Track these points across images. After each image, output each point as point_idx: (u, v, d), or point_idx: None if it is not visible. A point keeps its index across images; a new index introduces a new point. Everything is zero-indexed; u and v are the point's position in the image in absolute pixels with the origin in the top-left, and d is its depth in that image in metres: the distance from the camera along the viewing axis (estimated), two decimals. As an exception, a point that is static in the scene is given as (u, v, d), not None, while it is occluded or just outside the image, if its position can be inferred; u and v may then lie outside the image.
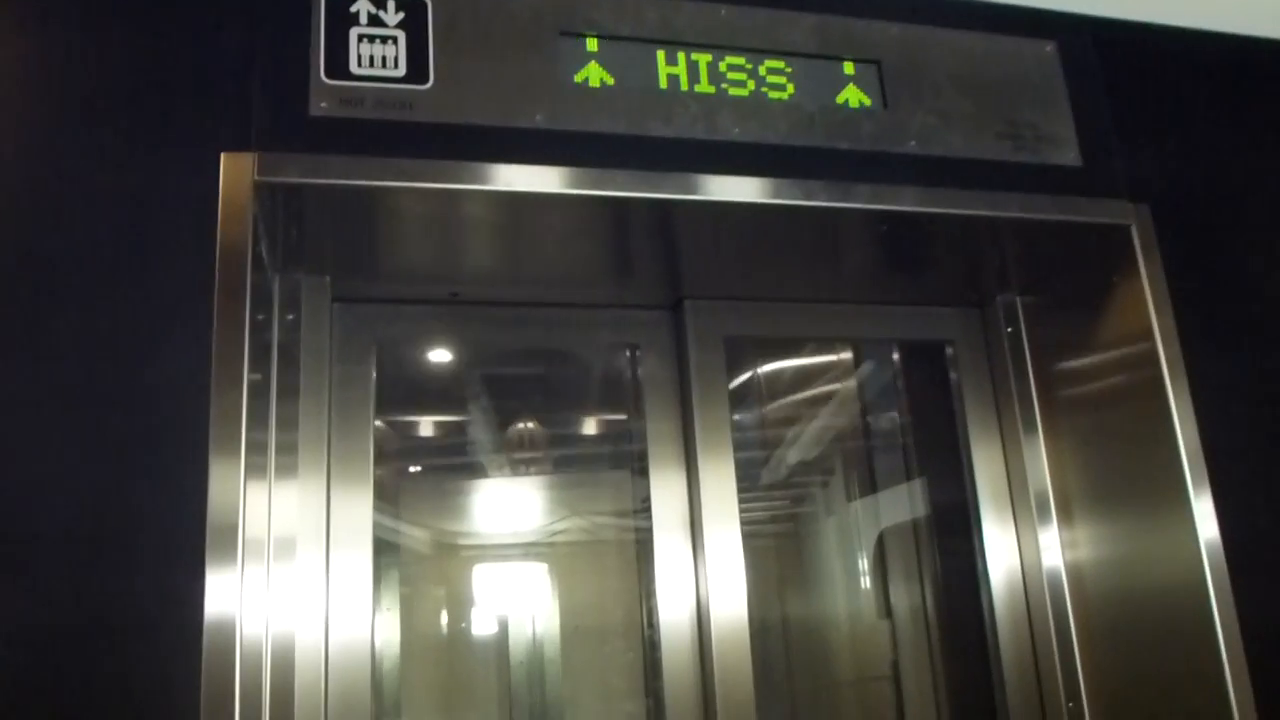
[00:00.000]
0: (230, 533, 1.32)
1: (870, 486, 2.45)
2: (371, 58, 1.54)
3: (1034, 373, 2.06)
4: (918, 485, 2.27)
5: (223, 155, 1.45)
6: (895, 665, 2.25)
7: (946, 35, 1.83)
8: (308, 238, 1.66)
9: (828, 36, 1.76)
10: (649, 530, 1.91)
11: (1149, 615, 1.77)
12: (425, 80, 1.55)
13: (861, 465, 2.46)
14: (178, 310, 1.40)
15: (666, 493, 1.92)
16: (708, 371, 1.96)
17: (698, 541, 1.88)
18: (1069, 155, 1.83)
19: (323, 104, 1.51)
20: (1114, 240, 1.82)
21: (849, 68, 1.75)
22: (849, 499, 2.48)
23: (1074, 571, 1.94)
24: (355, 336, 1.86)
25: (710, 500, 1.88)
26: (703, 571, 1.85)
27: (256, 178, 1.45)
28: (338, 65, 1.53)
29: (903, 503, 2.33)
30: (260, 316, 1.65)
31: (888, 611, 2.31)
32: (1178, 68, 1.99)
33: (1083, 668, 1.90)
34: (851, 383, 2.47)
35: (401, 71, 1.55)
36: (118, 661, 1.28)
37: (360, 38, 1.54)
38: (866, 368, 2.43)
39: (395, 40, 1.56)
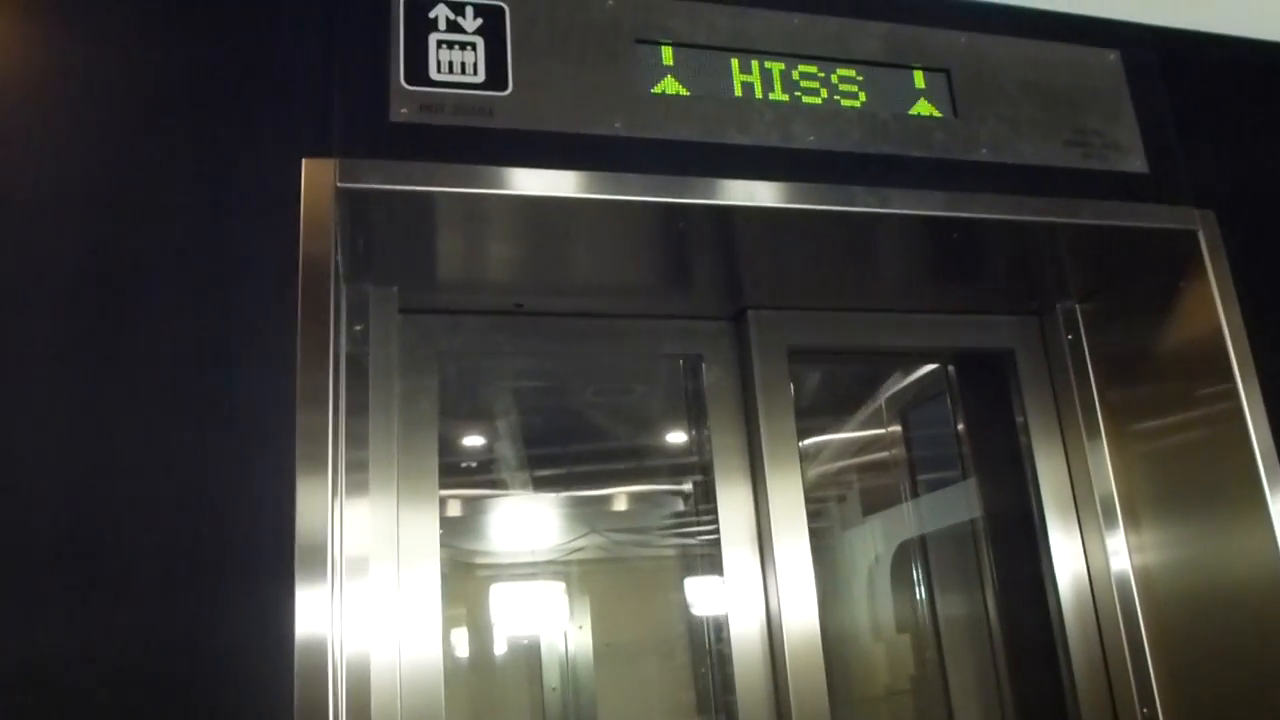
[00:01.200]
0: (318, 553, 1.29)
1: (917, 494, 2.44)
2: (451, 64, 1.53)
3: (1095, 379, 2.05)
4: (973, 491, 2.25)
5: (304, 161, 1.43)
6: (961, 673, 2.22)
7: (1013, 44, 1.83)
8: (378, 246, 1.63)
9: (898, 45, 1.76)
10: (695, 545, 1.88)
11: (1224, 619, 1.76)
12: (504, 87, 1.54)
13: (913, 473, 2.45)
14: (260, 323, 1.37)
15: (733, 506, 1.89)
16: (772, 383, 1.94)
17: (766, 554, 1.86)
18: (1135, 162, 1.83)
19: (403, 110, 1.49)
20: (1180, 245, 1.82)
21: (919, 77, 1.75)
22: (901, 501, 2.46)
23: (1143, 576, 1.93)
24: (419, 349, 1.84)
25: (778, 512, 1.86)
26: (773, 584, 1.83)
27: (338, 184, 1.43)
28: (417, 71, 1.51)
29: (958, 509, 2.32)
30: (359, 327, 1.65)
31: (932, 621, 2.30)
32: (1237, 76, 2.00)
33: (1156, 675, 1.88)
34: (906, 390, 2.46)
35: (480, 78, 1.53)
36: (211, 683, 1.24)
37: (439, 44, 1.53)
38: (921, 375, 2.41)
39: (474, 46, 1.54)
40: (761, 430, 1.90)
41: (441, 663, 1.67)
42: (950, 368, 2.29)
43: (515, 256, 1.73)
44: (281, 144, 1.45)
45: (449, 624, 2.05)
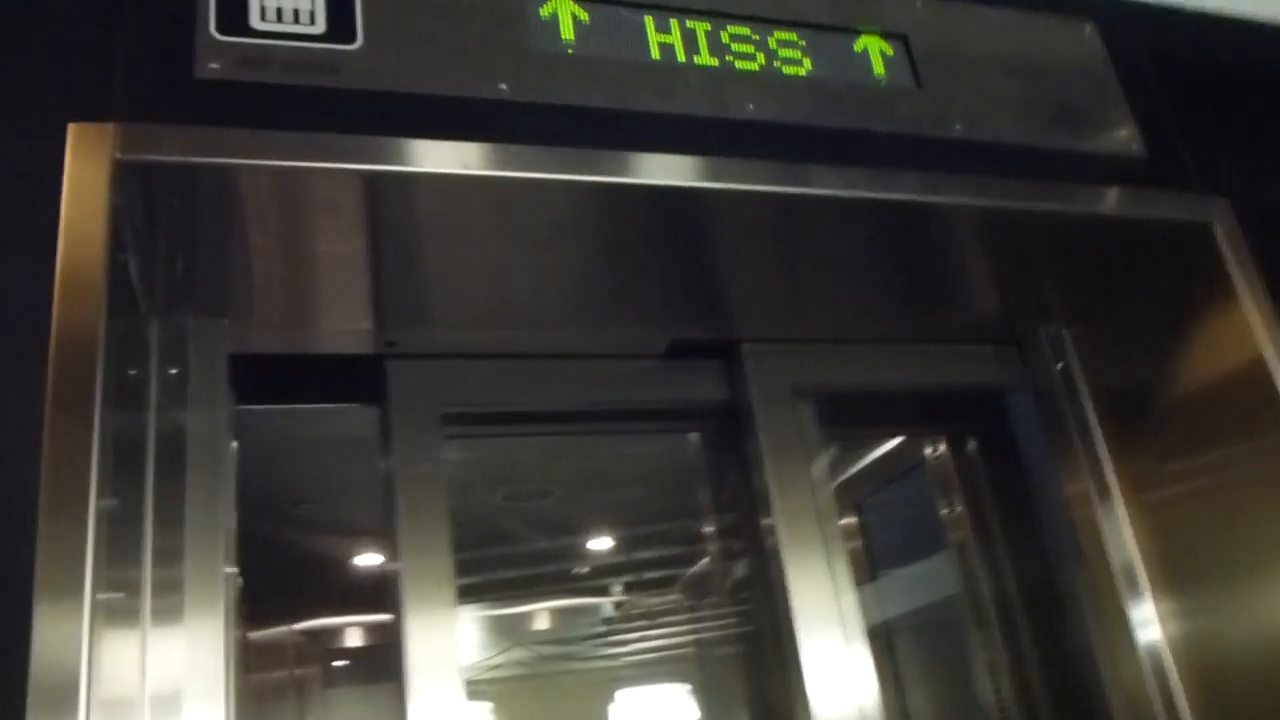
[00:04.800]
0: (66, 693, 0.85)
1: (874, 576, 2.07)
2: (280, 10, 1.16)
3: (1098, 420, 1.71)
4: (953, 566, 1.88)
5: (71, 126, 1.04)
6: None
7: (975, 10, 1.54)
8: (193, 254, 1.23)
9: (843, 6, 1.45)
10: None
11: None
12: (352, 39, 1.18)
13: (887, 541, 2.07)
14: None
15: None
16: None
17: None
18: (1131, 145, 1.53)
19: (213, 65, 1.11)
20: (1191, 241, 1.52)
21: (873, 42, 1.44)
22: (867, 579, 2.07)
23: (1181, 647, 1.56)
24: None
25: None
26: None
27: (117, 155, 1.03)
28: (233, 18, 1.14)
29: (929, 587, 1.95)
30: (132, 372, 1.22)
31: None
32: (1239, 56, 1.74)
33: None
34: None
35: (320, 28, 1.17)
36: None
37: (265, -16, 1.17)
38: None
39: (311, -12, 1.18)
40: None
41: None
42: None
43: (381, 267, 1.33)
44: (44, 104, 1.06)
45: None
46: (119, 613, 1.12)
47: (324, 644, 3.35)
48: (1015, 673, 1.77)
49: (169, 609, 1.18)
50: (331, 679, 3.32)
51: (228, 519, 1.27)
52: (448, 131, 1.17)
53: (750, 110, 1.31)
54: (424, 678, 1.33)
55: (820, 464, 1.66)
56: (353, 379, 1.52)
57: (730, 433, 1.67)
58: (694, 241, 1.39)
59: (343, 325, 1.44)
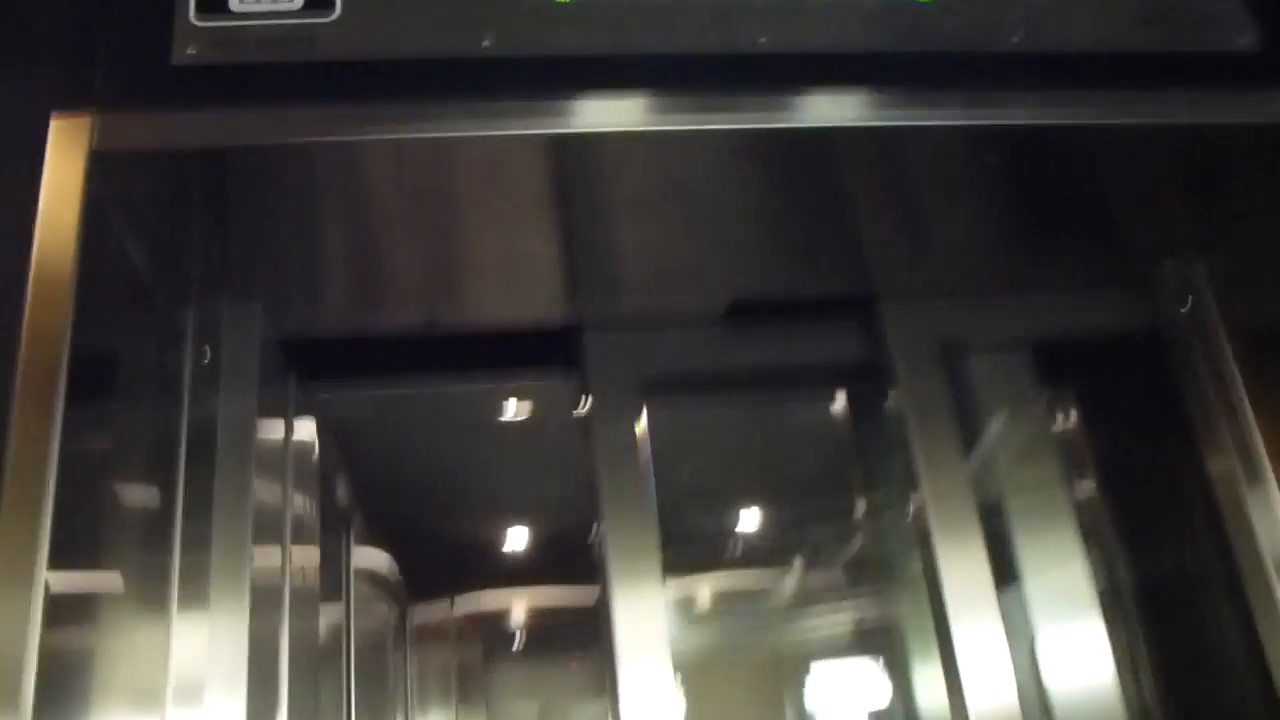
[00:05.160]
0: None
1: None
2: (259, -11, 1.15)
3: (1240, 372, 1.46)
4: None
5: (53, 119, 1.06)
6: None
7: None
8: (228, 241, 1.25)
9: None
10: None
11: None
12: (329, 10, 1.15)
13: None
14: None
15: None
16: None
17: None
18: (1240, 38, 1.30)
19: (190, 50, 1.11)
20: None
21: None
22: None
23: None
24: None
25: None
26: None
27: (95, 146, 1.05)
28: (213, 2, 1.14)
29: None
30: (174, 358, 1.25)
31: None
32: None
33: None
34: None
35: (297, 3, 1.15)
36: None
37: (242, -35, 1.16)
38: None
39: (288, -36, 1.16)
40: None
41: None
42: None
43: (394, 238, 1.31)
44: (28, 97, 1.09)
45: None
46: (148, 599, 1.15)
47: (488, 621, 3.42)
48: (1157, 672, 1.56)
49: (195, 596, 1.19)
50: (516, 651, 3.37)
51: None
52: (430, 91, 1.12)
53: (763, 44, 1.20)
54: (632, 653, 1.32)
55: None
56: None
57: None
58: (833, 187, 1.31)
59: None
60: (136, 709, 1.09)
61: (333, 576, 2.12)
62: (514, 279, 1.41)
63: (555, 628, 3.44)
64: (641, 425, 1.48)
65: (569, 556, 3.14)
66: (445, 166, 1.17)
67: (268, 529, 1.37)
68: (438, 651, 3.22)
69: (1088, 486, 1.69)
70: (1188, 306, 1.51)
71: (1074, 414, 1.75)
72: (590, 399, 1.49)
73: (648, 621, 1.34)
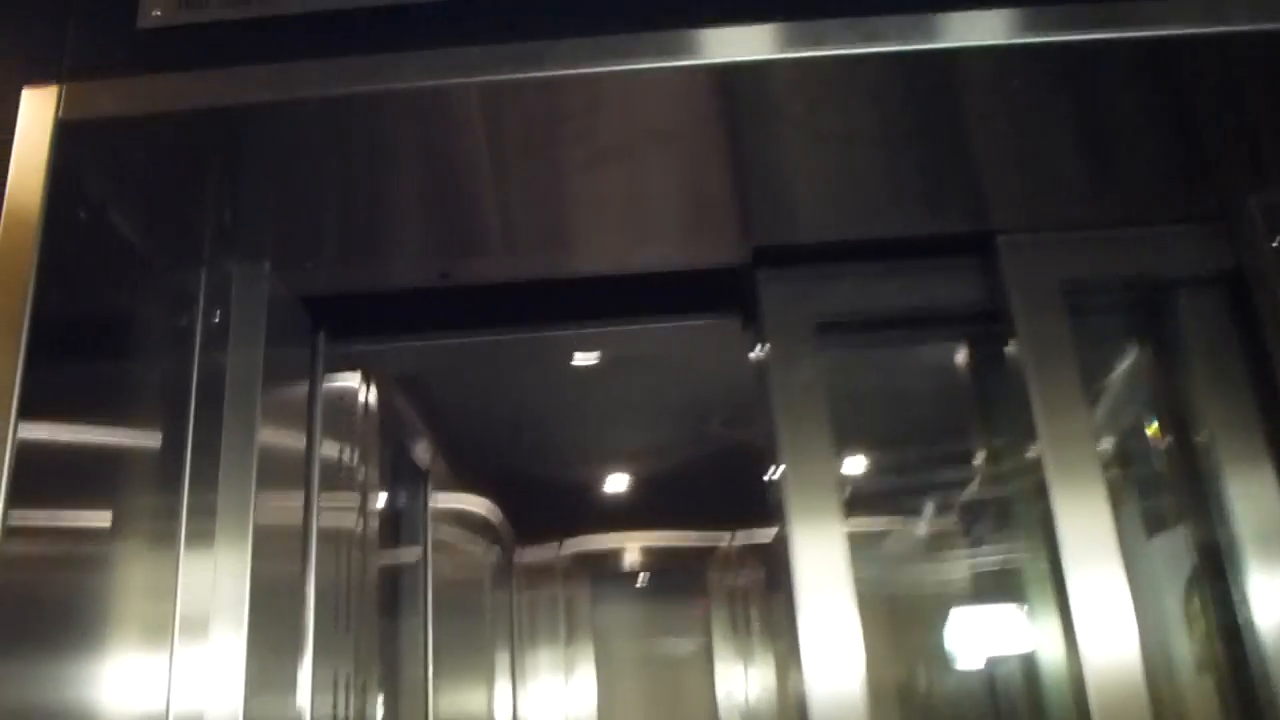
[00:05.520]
0: None
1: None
2: (224, -53, 1.16)
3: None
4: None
5: (25, 91, 1.10)
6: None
7: None
8: (213, 203, 1.28)
9: None
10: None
11: None
12: (294, -38, 1.14)
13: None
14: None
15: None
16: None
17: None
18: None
19: (155, 11, 1.13)
20: None
21: None
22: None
23: None
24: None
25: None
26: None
27: (62, 116, 1.09)
28: (179, -37, 1.15)
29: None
30: (181, 321, 1.30)
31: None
32: None
33: None
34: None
35: (264, -43, 1.15)
36: None
37: (204, -79, 1.16)
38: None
39: (249, -83, 1.16)
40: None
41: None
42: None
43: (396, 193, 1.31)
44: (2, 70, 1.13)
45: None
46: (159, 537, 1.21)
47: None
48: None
49: (202, 533, 1.25)
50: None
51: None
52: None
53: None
54: (813, 592, 1.32)
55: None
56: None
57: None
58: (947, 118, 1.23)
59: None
60: (146, 639, 1.16)
61: (410, 522, 2.19)
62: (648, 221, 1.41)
63: (666, 570, 3.48)
64: (819, 365, 1.45)
65: (676, 502, 3.17)
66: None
67: (290, 476, 1.43)
68: (546, 590, 3.31)
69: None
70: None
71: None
72: (765, 342, 1.46)
73: (829, 560, 1.33)
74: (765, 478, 1.46)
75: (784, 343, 1.45)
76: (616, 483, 3.01)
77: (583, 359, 2.07)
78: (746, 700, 3.29)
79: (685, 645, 3.44)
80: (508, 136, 1.18)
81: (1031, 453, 1.38)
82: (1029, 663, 1.56)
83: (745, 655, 3.33)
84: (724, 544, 3.43)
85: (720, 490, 3.11)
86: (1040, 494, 1.35)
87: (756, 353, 1.50)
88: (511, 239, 1.42)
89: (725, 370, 2.23)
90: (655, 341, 1.72)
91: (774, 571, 3.42)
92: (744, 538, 3.42)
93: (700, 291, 1.57)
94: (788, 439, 1.39)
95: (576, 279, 1.56)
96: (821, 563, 1.32)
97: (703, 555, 3.42)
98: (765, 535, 3.43)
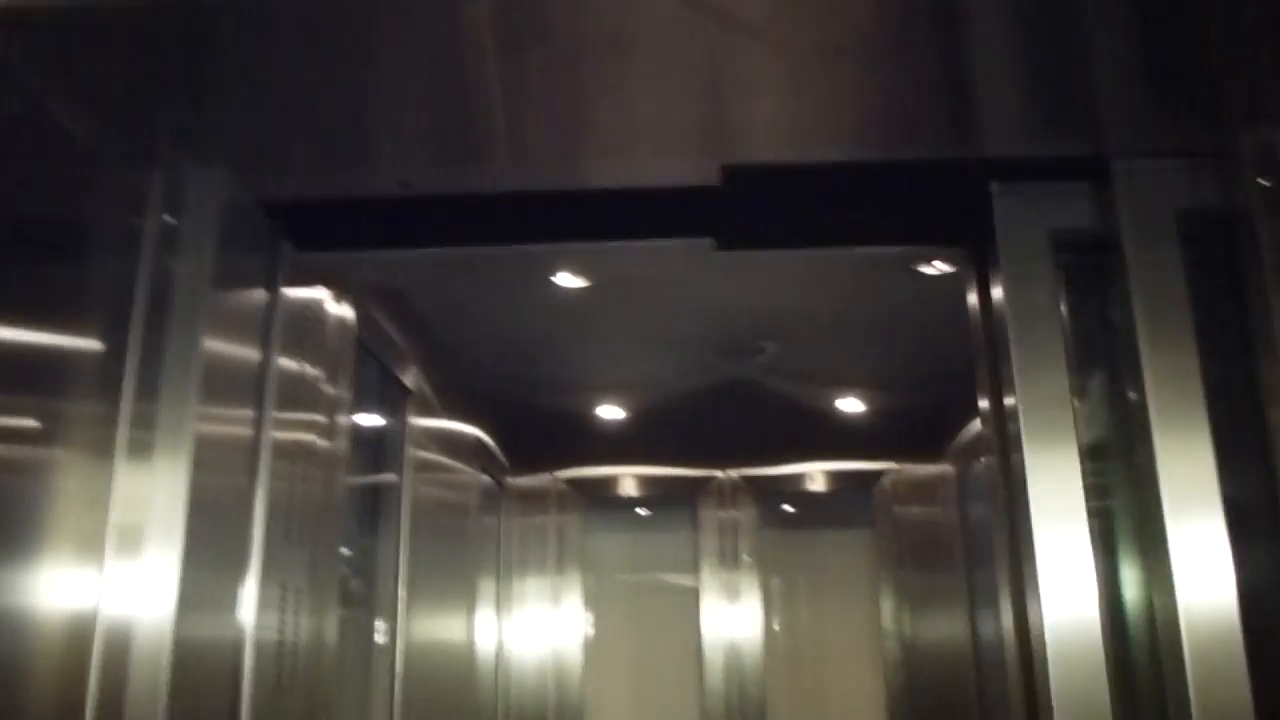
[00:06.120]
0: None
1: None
2: None
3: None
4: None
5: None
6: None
7: None
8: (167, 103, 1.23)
9: None
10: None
11: None
12: None
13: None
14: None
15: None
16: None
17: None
18: None
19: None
20: None
21: None
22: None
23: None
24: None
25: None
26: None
27: (-10, 0, 1.03)
28: None
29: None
30: (131, 223, 1.26)
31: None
32: None
33: None
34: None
35: None
36: None
37: None
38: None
39: None
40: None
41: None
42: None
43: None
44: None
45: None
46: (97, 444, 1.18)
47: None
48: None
49: (142, 443, 1.22)
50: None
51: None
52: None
53: None
54: (1049, 524, 1.30)
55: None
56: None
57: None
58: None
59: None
60: (79, 547, 1.14)
61: (392, 443, 2.17)
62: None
63: (656, 499, 3.46)
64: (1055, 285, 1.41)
65: (670, 434, 3.14)
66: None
67: (242, 388, 1.40)
68: (537, 518, 3.30)
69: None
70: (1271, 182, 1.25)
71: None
72: (1001, 264, 1.42)
73: (1064, 487, 1.31)
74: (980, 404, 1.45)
75: (1019, 261, 1.40)
76: (611, 413, 2.98)
77: (567, 281, 2.02)
78: (732, 635, 3.29)
79: (674, 578, 3.44)
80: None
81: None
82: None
83: (732, 590, 3.32)
84: (719, 476, 3.41)
85: (716, 424, 3.08)
86: (1144, 434, 1.31)
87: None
88: (488, 145, 1.37)
89: (716, 300, 2.19)
90: (636, 262, 1.67)
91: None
92: (737, 472, 3.40)
93: (676, 211, 1.52)
94: (1024, 364, 1.35)
95: (557, 192, 1.51)
96: (1056, 490, 1.30)
97: (695, 487, 3.40)
98: (760, 470, 3.41)
